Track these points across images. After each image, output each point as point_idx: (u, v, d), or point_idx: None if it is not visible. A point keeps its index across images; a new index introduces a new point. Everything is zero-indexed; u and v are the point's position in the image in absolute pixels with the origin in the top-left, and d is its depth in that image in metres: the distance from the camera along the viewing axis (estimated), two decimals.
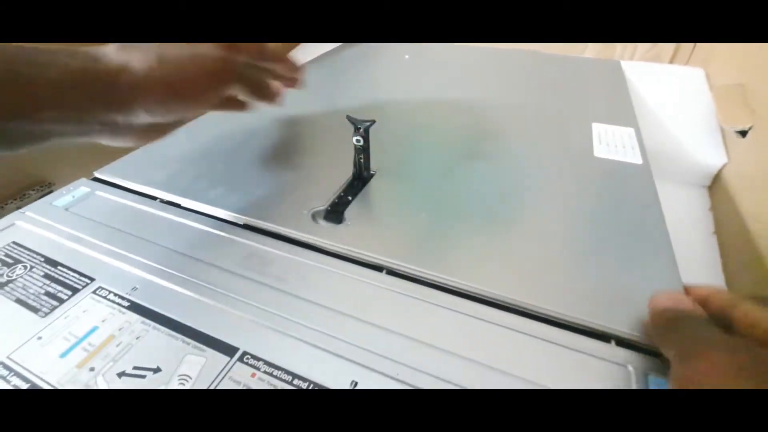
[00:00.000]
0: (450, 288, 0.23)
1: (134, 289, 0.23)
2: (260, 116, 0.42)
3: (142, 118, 0.23)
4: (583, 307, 0.22)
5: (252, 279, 0.24)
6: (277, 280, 0.24)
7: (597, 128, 0.40)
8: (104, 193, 0.32)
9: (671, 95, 0.55)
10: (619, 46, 0.69)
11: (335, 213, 0.29)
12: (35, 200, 0.32)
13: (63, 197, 0.31)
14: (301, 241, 0.27)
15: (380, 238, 0.26)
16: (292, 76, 0.31)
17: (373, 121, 0.29)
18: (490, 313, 0.22)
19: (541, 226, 0.28)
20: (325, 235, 0.26)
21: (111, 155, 0.36)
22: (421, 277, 0.24)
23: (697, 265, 0.38)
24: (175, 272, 0.24)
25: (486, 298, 0.23)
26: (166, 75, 0.23)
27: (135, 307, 0.22)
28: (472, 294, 0.23)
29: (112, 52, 0.22)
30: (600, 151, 0.36)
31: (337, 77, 0.53)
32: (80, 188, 0.32)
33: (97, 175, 0.33)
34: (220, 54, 0.25)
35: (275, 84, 0.30)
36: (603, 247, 0.26)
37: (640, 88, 0.56)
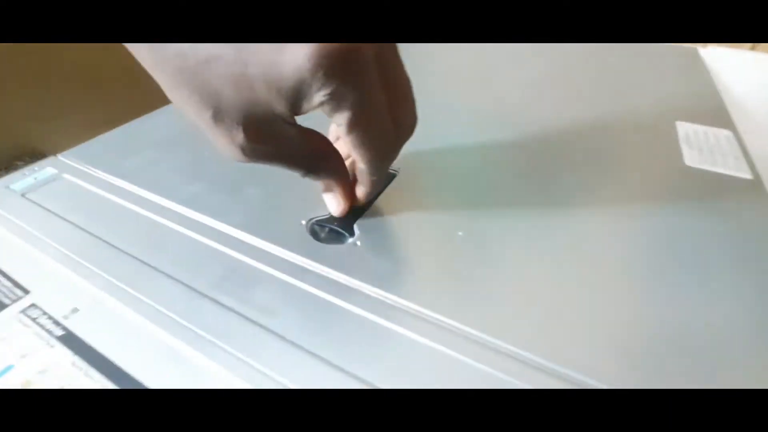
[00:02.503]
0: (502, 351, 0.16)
1: (74, 310, 0.18)
2: None
3: None
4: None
5: (228, 308, 0.18)
6: (263, 313, 0.18)
7: (683, 128, 0.31)
8: (72, 177, 0.26)
9: (765, 87, 0.46)
10: None
11: (341, 226, 0.22)
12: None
13: (24, 179, 0.26)
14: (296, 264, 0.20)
15: (400, 266, 0.20)
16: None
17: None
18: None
19: (617, 262, 0.20)
20: (323, 259, 0.20)
21: (110, 125, 0.31)
22: (458, 330, 0.17)
23: None
24: (131, 291, 0.19)
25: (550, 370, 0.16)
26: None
27: (69, 339, 0.17)
28: (533, 364, 0.16)
29: None
30: (692, 158, 0.28)
31: None
32: (46, 169, 0.27)
33: (62, 158, 0.28)
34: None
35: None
36: (709, 295, 0.18)
37: (725, 80, 0.46)
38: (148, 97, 0.33)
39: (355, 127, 0.17)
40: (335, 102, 0.16)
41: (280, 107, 0.16)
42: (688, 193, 0.25)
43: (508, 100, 0.36)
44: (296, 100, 0.15)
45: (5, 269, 0.20)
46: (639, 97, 0.37)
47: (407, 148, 0.20)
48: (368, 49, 0.15)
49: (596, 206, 0.24)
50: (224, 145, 0.17)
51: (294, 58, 0.14)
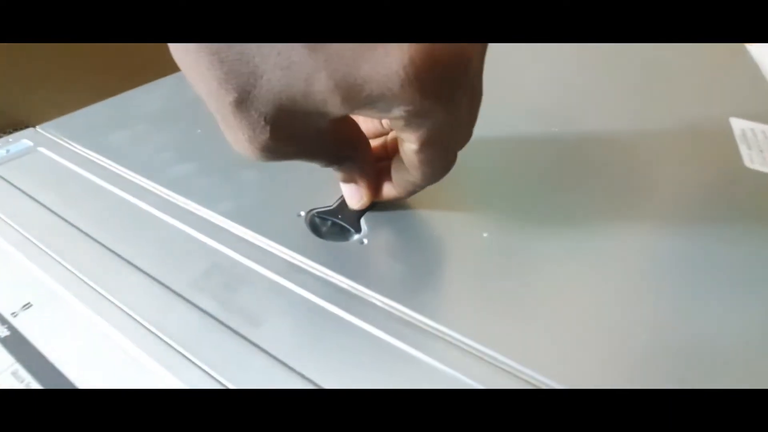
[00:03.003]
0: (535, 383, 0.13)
1: (26, 306, 0.15)
2: None
3: None
4: None
5: (205, 312, 0.15)
6: (246, 321, 0.15)
7: (738, 125, 0.28)
8: (48, 151, 0.23)
9: None
10: None
11: (345, 220, 0.19)
12: None
13: None
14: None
15: (413, 271, 0.17)
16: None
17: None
18: None
19: (673, 276, 0.17)
20: (323, 258, 0.17)
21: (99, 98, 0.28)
22: (485, 356, 0.14)
23: None
24: (95, 286, 0.16)
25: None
26: None
27: (14, 341, 0.14)
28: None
29: None
30: (753, 159, 0.24)
31: None
32: (21, 141, 0.24)
33: (40, 130, 0.25)
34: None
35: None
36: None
37: None
38: (150, 68, 0.30)
39: (429, 146, 0.13)
40: (416, 119, 0.12)
41: (336, 109, 0.12)
42: (752, 198, 0.21)
43: (548, 98, 0.32)
44: (363, 106, 0.11)
45: None
46: (686, 91, 0.33)
47: None
48: (478, 59, 0.12)
49: (647, 209, 0.20)
50: (240, 142, 0.13)
51: (385, 61, 0.10)
